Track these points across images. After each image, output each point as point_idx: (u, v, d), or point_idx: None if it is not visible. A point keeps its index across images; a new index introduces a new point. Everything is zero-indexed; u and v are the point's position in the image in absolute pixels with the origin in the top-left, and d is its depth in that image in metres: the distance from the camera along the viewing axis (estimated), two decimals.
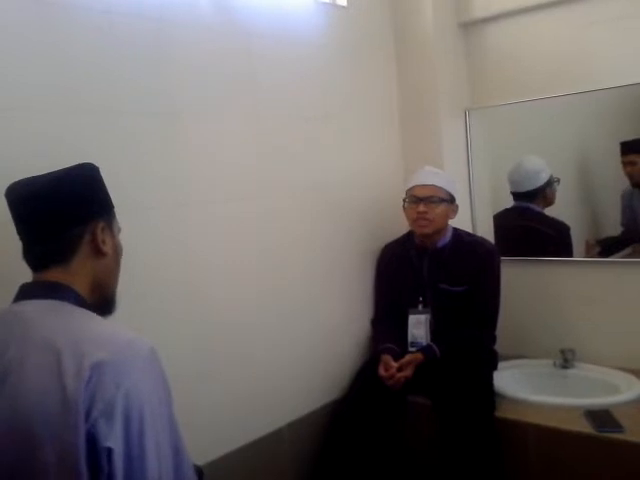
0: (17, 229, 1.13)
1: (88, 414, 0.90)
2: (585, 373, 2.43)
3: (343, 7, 2.46)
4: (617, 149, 2.55)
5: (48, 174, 1.13)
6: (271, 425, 2.09)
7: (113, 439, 0.90)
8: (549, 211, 2.75)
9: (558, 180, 2.72)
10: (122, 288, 1.61)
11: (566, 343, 2.48)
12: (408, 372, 2.21)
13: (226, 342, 1.94)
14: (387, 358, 2.25)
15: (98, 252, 1.13)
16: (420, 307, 2.38)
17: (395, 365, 2.21)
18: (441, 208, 2.35)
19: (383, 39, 2.68)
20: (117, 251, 1.20)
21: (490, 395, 2.20)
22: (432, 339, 2.33)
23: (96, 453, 0.89)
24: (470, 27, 2.77)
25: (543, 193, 2.74)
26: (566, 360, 2.45)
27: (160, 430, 0.96)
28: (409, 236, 2.50)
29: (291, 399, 2.18)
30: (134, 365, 0.96)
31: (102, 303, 1.17)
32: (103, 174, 1.36)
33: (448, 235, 2.42)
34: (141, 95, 1.71)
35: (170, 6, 1.79)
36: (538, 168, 2.75)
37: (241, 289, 2.00)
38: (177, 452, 0.99)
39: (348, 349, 2.45)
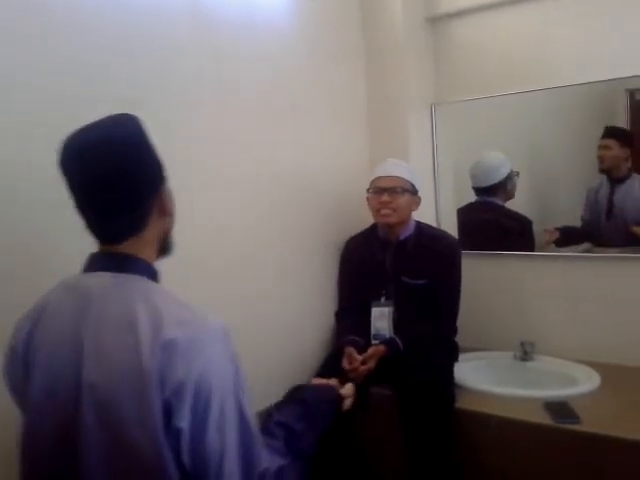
0: (82, 201, 1.06)
1: (162, 391, 0.93)
2: (544, 365, 2.47)
3: None
4: (579, 144, 2.60)
5: (110, 140, 1.04)
6: None
7: (182, 419, 0.93)
8: (510, 205, 2.79)
9: (518, 174, 2.76)
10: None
11: (526, 336, 2.53)
12: (371, 365, 2.21)
13: None
14: (351, 351, 2.25)
15: (164, 214, 1.12)
16: (383, 300, 2.39)
17: (359, 358, 2.22)
18: (404, 199, 2.36)
19: (351, 32, 2.68)
20: (174, 205, 1.17)
21: (450, 386, 2.22)
22: (395, 332, 2.35)
23: (168, 431, 0.94)
24: (437, 22, 2.79)
25: (504, 187, 2.78)
26: (526, 353, 2.50)
27: (227, 412, 0.98)
28: (373, 229, 2.51)
29: (253, 391, 2.16)
30: (208, 346, 0.98)
31: (163, 251, 1.18)
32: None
33: (411, 228, 2.43)
34: (103, 82, 1.66)
35: None
36: (498, 163, 2.79)
37: (203, 281, 1.97)
38: (245, 428, 1.01)
39: (312, 342, 2.44)
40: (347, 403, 1.52)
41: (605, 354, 2.43)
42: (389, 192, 2.34)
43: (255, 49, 2.16)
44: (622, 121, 2.53)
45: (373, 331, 2.37)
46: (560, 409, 2.05)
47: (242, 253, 2.11)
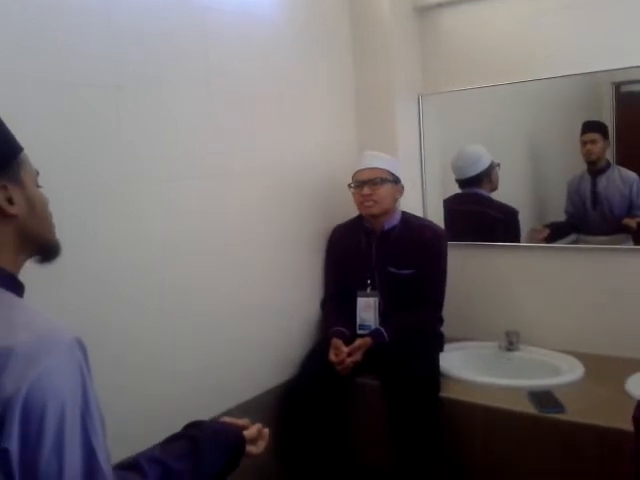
0: None
1: None
2: (528, 355, 2.49)
3: None
4: (565, 136, 2.61)
5: None
6: (220, 406, 2.06)
7: (9, 439, 0.79)
8: (496, 196, 2.80)
9: (499, 165, 2.77)
10: (72, 268, 1.58)
11: (511, 326, 2.54)
12: (357, 357, 2.23)
13: (174, 322, 1.91)
14: (338, 343, 2.25)
15: (5, 216, 0.93)
16: (368, 290, 2.40)
17: (345, 350, 2.22)
18: (385, 188, 2.36)
19: (339, 22, 2.66)
20: (34, 204, 0.98)
21: (435, 376, 2.23)
22: (381, 322, 2.35)
23: None
24: (425, 12, 2.77)
25: (487, 178, 2.79)
26: (510, 342, 2.51)
27: (68, 436, 0.83)
28: (359, 219, 2.51)
29: (241, 381, 2.16)
30: (47, 357, 0.83)
31: (42, 251, 1.02)
32: (46, 148, 1.26)
33: (396, 217, 2.44)
34: (89, 66, 1.64)
35: None
36: (478, 154, 2.79)
37: (190, 269, 1.96)
38: (90, 456, 0.86)
39: (298, 331, 2.44)
40: (260, 446, 1.28)
41: (589, 344, 2.45)
42: (369, 184, 2.34)
43: (242, 38, 2.14)
44: (607, 114, 2.54)
45: (359, 321, 2.38)
46: (544, 398, 2.06)
47: (227, 241, 2.10)
